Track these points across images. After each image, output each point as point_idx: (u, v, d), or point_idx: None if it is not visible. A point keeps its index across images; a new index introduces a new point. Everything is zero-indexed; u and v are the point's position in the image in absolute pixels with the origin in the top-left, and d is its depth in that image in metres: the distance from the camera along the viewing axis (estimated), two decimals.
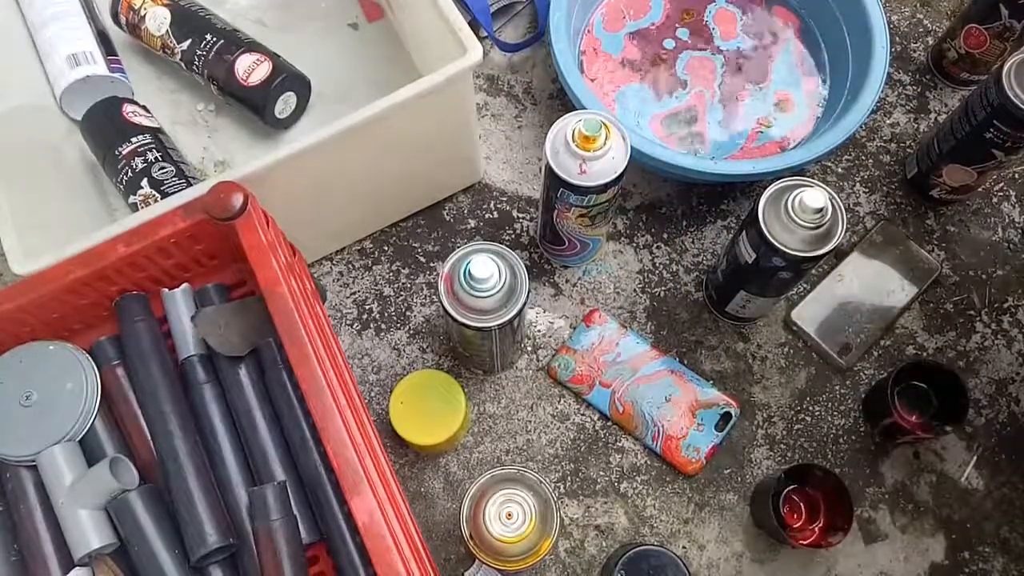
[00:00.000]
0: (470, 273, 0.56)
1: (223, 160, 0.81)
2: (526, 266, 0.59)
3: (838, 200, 0.58)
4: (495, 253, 0.58)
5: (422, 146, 0.68)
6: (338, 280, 0.77)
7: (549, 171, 0.61)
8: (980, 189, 0.78)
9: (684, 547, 0.68)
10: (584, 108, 0.70)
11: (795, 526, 0.65)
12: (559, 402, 0.72)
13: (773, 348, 0.74)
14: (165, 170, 0.72)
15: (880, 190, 0.80)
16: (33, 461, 0.53)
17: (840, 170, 0.81)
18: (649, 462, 0.70)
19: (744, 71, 0.81)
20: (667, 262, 0.77)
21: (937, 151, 0.74)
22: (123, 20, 0.80)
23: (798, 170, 0.71)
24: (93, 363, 0.56)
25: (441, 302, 0.58)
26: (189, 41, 0.77)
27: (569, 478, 0.70)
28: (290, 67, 0.78)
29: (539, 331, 0.75)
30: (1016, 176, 0.80)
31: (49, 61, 0.77)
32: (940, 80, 0.84)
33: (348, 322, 0.75)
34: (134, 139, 0.72)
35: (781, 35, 0.83)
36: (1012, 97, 0.63)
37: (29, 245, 0.59)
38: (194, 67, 0.78)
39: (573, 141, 0.59)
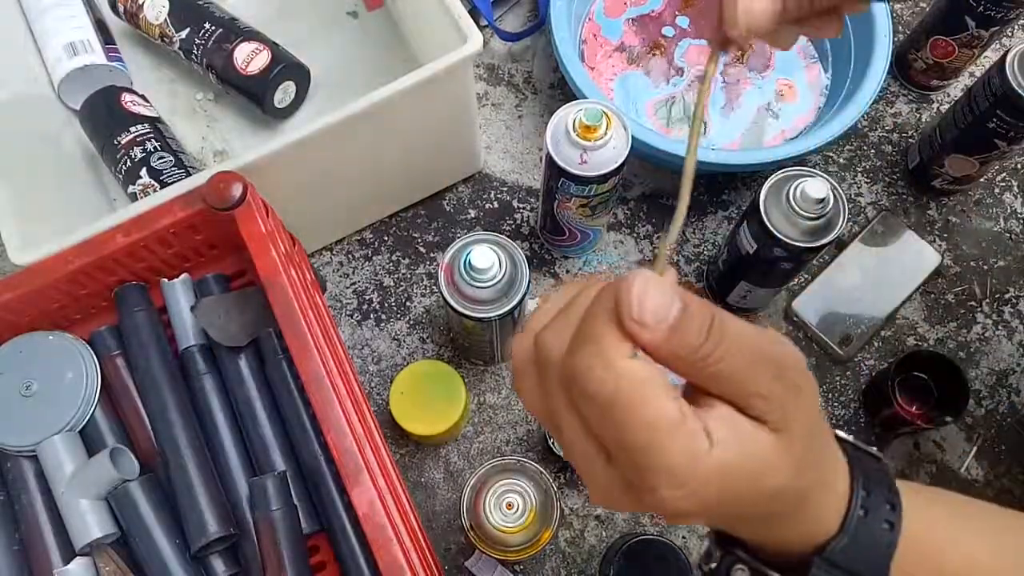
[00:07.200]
0: (470, 263, 0.56)
1: (222, 150, 0.81)
2: (526, 256, 0.59)
3: (839, 190, 0.58)
4: (495, 243, 0.58)
5: (422, 136, 0.68)
6: (338, 270, 0.77)
7: (550, 161, 0.61)
8: (982, 179, 0.78)
9: (684, 537, 0.68)
10: (585, 97, 0.69)
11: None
12: None
13: None
14: (164, 160, 0.71)
15: (882, 180, 0.79)
16: (34, 451, 0.53)
17: (842, 160, 0.80)
18: None
19: (745, 59, 0.81)
20: (668, 252, 0.77)
21: (939, 141, 0.73)
22: (121, 9, 0.80)
23: (799, 160, 0.71)
24: (93, 353, 0.56)
25: (441, 293, 0.58)
26: (188, 30, 0.77)
27: (569, 468, 0.70)
28: (289, 56, 0.77)
29: None
30: (1018, 166, 0.80)
31: (47, 50, 0.77)
32: (908, 87, 0.83)
33: (348, 312, 0.75)
34: (133, 128, 0.72)
35: None
36: (1016, 87, 0.63)
37: (28, 235, 0.58)
38: (193, 56, 0.77)
39: (574, 131, 0.58)
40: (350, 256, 0.77)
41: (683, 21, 0.83)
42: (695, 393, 0.27)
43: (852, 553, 0.30)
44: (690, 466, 0.26)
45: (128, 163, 0.71)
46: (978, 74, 0.80)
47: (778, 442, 0.27)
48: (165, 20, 0.77)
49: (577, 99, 0.67)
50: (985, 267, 0.76)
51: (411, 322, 0.75)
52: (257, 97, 0.76)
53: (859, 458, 0.32)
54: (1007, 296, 0.75)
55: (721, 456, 0.26)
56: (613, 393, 0.25)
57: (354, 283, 0.76)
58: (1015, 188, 0.79)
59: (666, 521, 0.29)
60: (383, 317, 0.75)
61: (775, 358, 0.27)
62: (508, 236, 0.62)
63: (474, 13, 0.81)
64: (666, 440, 0.25)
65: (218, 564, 0.53)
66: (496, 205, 0.79)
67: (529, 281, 0.58)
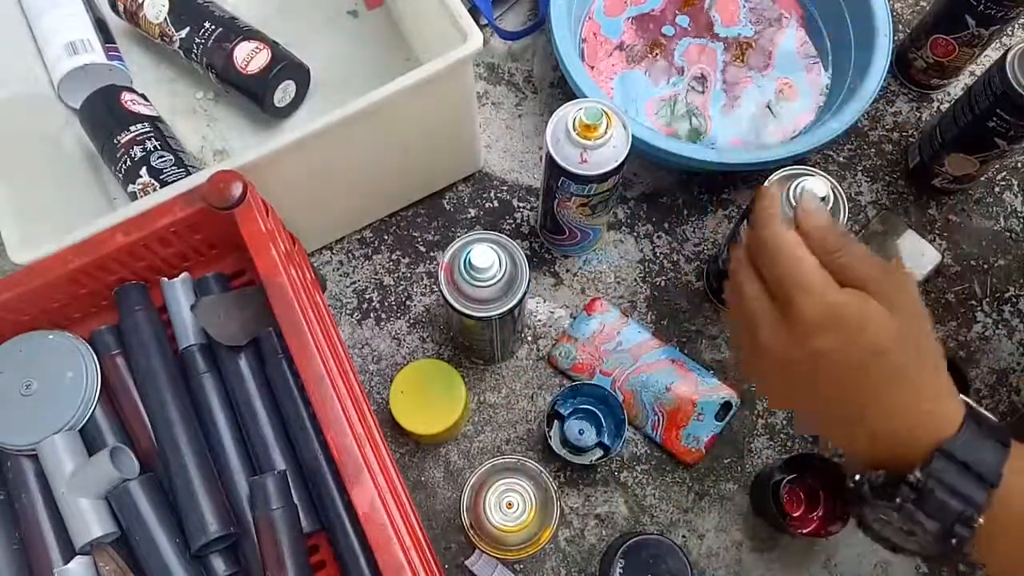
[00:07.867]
0: (470, 262, 0.56)
1: (222, 149, 0.81)
2: (526, 255, 0.59)
3: (840, 189, 0.58)
4: (495, 242, 0.58)
5: (422, 135, 0.68)
6: (338, 269, 0.77)
7: (550, 160, 0.61)
8: (982, 178, 0.78)
9: (684, 536, 0.68)
10: (585, 96, 0.69)
11: (795, 515, 0.65)
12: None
13: None
14: (164, 159, 0.71)
15: (882, 179, 0.79)
16: (34, 450, 0.53)
17: (842, 159, 0.80)
18: (649, 451, 0.71)
19: (746, 58, 0.81)
20: (668, 251, 0.77)
21: (940, 140, 0.73)
22: (121, 8, 0.80)
23: (800, 159, 0.71)
24: (93, 352, 0.56)
25: (441, 292, 0.58)
26: (188, 29, 0.77)
27: (569, 467, 0.70)
28: (289, 55, 0.77)
29: (539, 321, 0.75)
30: (1018, 165, 0.80)
31: (47, 50, 0.77)
32: (909, 86, 0.83)
33: (348, 311, 0.75)
34: (133, 128, 0.72)
35: (783, 22, 0.82)
36: (1016, 86, 0.63)
37: (28, 234, 0.59)
38: (193, 55, 0.77)
39: (574, 130, 0.58)
40: (350, 255, 0.77)
41: (683, 20, 0.83)
42: None
43: (967, 450, 0.40)
44: (822, 286, 0.43)
45: (128, 162, 0.71)
46: (978, 73, 0.80)
47: (882, 309, 0.42)
48: (165, 19, 0.77)
49: (577, 98, 0.67)
50: (985, 266, 0.76)
51: (411, 321, 0.75)
52: (257, 96, 0.76)
53: (973, 410, 0.42)
54: (1007, 295, 0.75)
55: (843, 294, 0.43)
56: (778, 244, 0.45)
57: (354, 282, 0.76)
58: (1015, 187, 0.79)
59: (800, 331, 0.43)
60: (383, 316, 0.75)
61: (883, 263, 0.44)
62: (508, 235, 0.62)
63: (474, 12, 0.81)
64: (806, 271, 0.43)
65: (218, 563, 0.53)
66: (496, 204, 0.79)
67: (529, 280, 0.58)
